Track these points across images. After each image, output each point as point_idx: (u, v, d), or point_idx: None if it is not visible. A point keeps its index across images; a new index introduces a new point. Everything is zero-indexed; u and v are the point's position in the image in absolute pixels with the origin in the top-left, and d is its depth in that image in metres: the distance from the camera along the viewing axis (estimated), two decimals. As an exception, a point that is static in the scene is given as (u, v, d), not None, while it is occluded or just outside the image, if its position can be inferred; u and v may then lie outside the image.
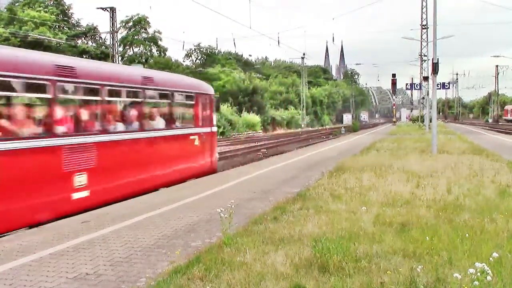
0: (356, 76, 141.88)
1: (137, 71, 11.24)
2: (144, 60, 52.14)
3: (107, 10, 36.59)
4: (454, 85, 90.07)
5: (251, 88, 58.49)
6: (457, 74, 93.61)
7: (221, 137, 45.00)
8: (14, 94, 7.57)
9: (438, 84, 28.46)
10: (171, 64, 53.55)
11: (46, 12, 38.28)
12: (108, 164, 9.01)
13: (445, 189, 8.66)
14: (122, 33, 48.63)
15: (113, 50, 37.62)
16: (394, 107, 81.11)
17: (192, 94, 12.63)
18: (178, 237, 6.09)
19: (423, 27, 42.09)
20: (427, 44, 39.91)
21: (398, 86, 59.33)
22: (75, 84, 8.47)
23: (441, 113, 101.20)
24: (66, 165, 7.95)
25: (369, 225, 6.14)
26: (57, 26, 41.92)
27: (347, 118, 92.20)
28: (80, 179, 8.25)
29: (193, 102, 12.69)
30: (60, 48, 36.83)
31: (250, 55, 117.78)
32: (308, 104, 77.29)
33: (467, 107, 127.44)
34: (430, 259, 4.65)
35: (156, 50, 54.27)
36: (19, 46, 32.43)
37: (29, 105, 8.27)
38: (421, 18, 42.64)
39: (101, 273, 4.72)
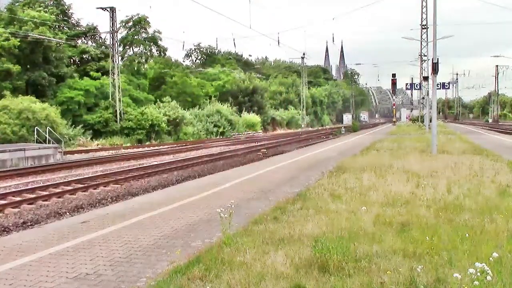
0: (356, 76, 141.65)
1: None
2: (144, 60, 52.10)
3: (107, 10, 36.56)
4: (454, 85, 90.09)
5: (251, 88, 58.49)
6: (457, 74, 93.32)
7: (221, 137, 45.03)
8: None
9: (438, 84, 28.46)
10: (171, 64, 53.51)
11: (46, 12, 38.17)
12: None
13: (445, 189, 8.66)
14: (122, 33, 48.54)
15: (113, 50, 37.60)
16: (394, 107, 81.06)
17: None
18: (178, 237, 6.09)
19: (423, 27, 42.10)
20: (427, 44, 39.93)
21: (398, 86, 59.39)
22: None
23: (441, 113, 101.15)
24: None
25: (369, 225, 6.13)
26: (57, 26, 41.84)
27: (347, 118, 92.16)
28: None
29: None
30: (60, 48, 36.80)
31: (250, 55, 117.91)
32: (308, 104, 77.29)
33: (467, 107, 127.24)
34: (430, 259, 4.65)
35: (156, 50, 54.19)
36: (19, 46, 32.41)
37: None
38: (421, 18, 42.69)
39: (101, 273, 4.72)
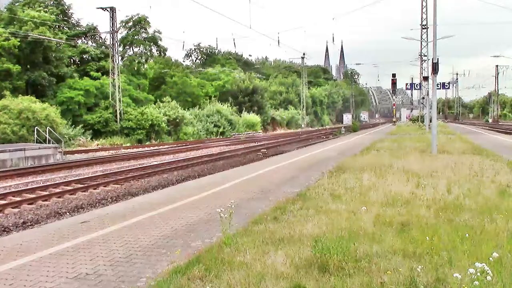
0: (356, 76, 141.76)
1: None
2: (144, 60, 52.10)
3: (107, 10, 36.56)
4: (454, 85, 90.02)
5: (251, 88, 58.49)
6: (457, 74, 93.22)
7: (221, 137, 45.02)
8: None
9: (438, 84, 28.45)
10: (171, 64, 53.50)
11: (46, 12, 38.15)
12: None
13: (445, 189, 8.65)
14: (122, 33, 48.52)
15: (113, 50, 37.60)
16: (394, 107, 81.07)
17: None
18: (178, 237, 6.08)
19: (423, 27, 42.08)
20: (427, 44, 39.92)
21: (398, 86, 59.40)
22: None
23: (441, 113, 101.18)
24: None
25: (369, 225, 6.13)
26: (57, 26, 41.82)
27: (347, 118, 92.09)
28: None
29: None
30: (60, 48, 36.80)
31: (250, 55, 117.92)
32: (308, 104, 77.30)
33: (467, 107, 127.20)
34: (430, 259, 4.65)
35: (156, 50, 54.16)
36: (19, 46, 32.40)
37: None
38: (421, 18, 42.66)
39: (101, 273, 4.72)
